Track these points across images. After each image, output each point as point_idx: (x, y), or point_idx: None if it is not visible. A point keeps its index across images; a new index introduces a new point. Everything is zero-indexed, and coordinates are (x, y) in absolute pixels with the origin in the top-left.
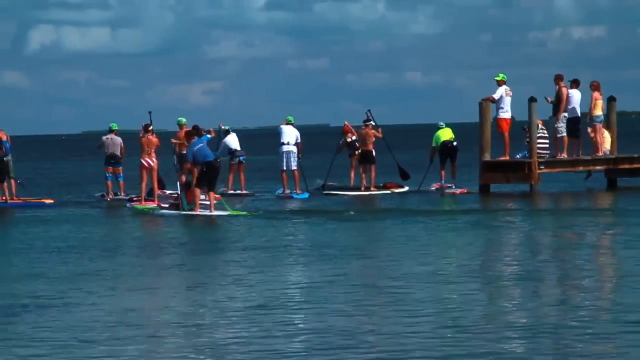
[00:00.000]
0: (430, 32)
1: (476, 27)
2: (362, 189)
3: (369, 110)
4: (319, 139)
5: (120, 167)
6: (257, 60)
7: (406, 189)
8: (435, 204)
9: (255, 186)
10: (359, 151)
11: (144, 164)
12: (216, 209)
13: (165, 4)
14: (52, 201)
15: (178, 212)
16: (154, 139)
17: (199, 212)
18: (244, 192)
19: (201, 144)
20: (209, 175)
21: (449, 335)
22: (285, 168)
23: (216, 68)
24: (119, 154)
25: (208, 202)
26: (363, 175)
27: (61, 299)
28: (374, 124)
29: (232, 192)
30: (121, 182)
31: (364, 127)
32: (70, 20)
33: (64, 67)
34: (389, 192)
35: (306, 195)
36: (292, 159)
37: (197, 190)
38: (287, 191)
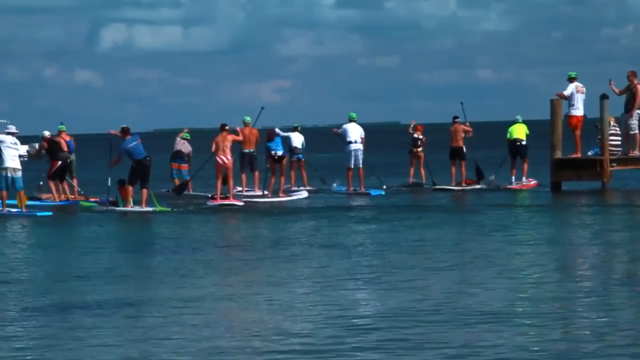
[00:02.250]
0: (501, 29)
1: (548, 24)
2: (453, 184)
3: (461, 103)
4: (388, 137)
5: (186, 165)
6: (327, 58)
7: (480, 185)
8: (511, 199)
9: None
10: (416, 149)
11: (218, 162)
12: (146, 204)
13: (236, 3)
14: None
15: (113, 208)
16: (229, 136)
17: (130, 208)
18: (307, 188)
19: (135, 142)
20: (139, 173)
21: None
22: (352, 166)
23: (286, 66)
24: (184, 151)
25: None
26: (453, 171)
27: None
28: (462, 120)
29: (295, 188)
30: (187, 180)
31: (453, 124)
32: (142, 19)
33: (135, 65)
34: (477, 187)
35: (382, 192)
36: (359, 157)
37: (130, 188)
38: (352, 189)
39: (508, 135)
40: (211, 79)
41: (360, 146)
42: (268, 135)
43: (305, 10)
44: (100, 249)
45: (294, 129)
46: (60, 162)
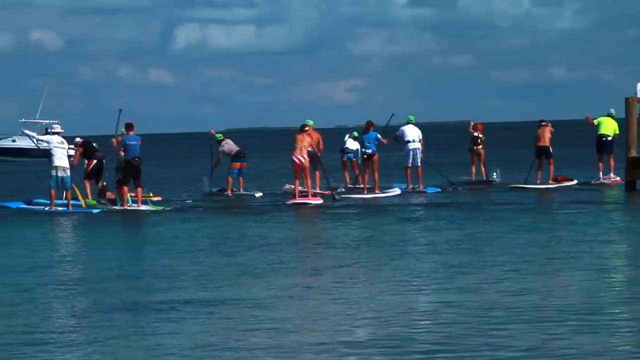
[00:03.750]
0: (575, 28)
1: (622, 22)
2: (538, 182)
3: (392, 114)
4: (459, 135)
5: (246, 163)
6: (401, 57)
7: (574, 182)
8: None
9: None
10: (477, 147)
11: (295, 161)
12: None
13: (309, 2)
14: (159, 198)
15: (113, 207)
16: (307, 136)
17: (127, 207)
18: (361, 186)
19: (135, 142)
20: (130, 172)
21: None
22: (410, 165)
23: (360, 65)
24: (243, 150)
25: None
26: (539, 169)
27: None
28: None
29: (350, 186)
30: (241, 178)
31: (540, 127)
32: (216, 18)
33: (209, 65)
34: (570, 184)
35: (438, 190)
36: (417, 156)
37: (125, 187)
38: (410, 186)
39: (597, 127)
40: (284, 78)
41: (418, 145)
42: (365, 127)
43: (378, 9)
44: (170, 248)
45: (353, 138)
46: (95, 162)
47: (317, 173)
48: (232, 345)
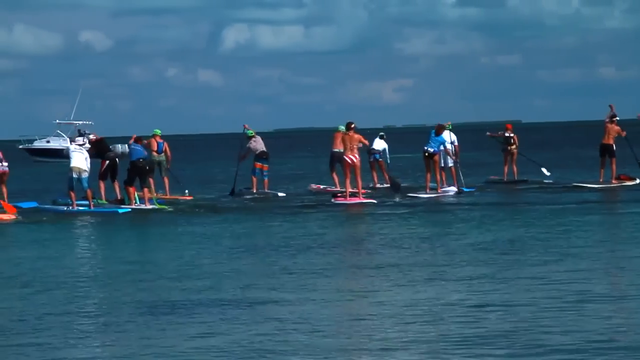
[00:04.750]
0: (625, 27)
1: None
2: (601, 180)
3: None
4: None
5: (268, 165)
6: (449, 57)
7: (638, 181)
8: None
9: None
10: (510, 147)
11: (347, 161)
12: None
13: (357, 2)
14: (189, 197)
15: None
16: (355, 135)
17: (135, 206)
18: (378, 185)
19: (139, 148)
20: (135, 173)
21: None
22: (442, 165)
23: (408, 65)
24: (267, 151)
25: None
26: (602, 167)
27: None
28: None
29: (378, 186)
30: (266, 180)
31: (608, 122)
32: (264, 19)
33: (257, 65)
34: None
35: (473, 189)
36: (448, 157)
37: (132, 188)
38: (445, 186)
39: None
40: (332, 78)
41: (448, 146)
42: (437, 130)
43: (426, 8)
44: (214, 248)
45: (380, 137)
46: (108, 162)
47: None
48: (278, 348)
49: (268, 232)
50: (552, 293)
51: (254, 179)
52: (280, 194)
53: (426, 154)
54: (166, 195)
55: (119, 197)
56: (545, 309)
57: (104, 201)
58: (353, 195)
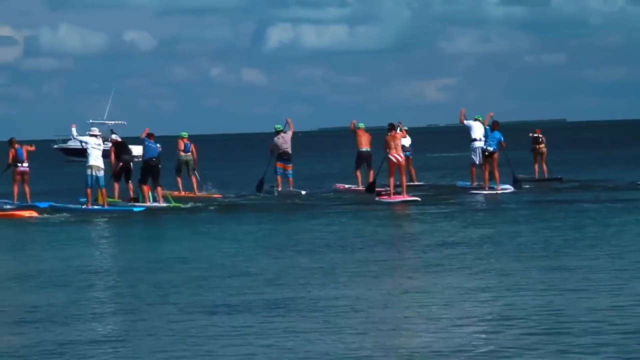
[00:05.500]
0: None
1: None
2: None
3: None
4: (554, 133)
5: (290, 165)
6: (493, 55)
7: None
8: None
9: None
10: (539, 146)
11: (392, 159)
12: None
13: (401, 1)
14: (220, 196)
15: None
16: (399, 134)
17: (149, 204)
18: (415, 183)
19: (154, 146)
20: (148, 172)
21: None
22: (477, 162)
23: (452, 64)
24: (290, 152)
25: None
26: None
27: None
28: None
29: (409, 183)
30: (290, 179)
31: None
32: (308, 18)
33: (301, 64)
34: None
35: (508, 186)
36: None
37: (146, 187)
38: (475, 183)
39: None
40: (376, 77)
41: (483, 144)
42: (492, 126)
43: (470, 7)
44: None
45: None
46: (122, 164)
47: (371, 172)
48: (339, 349)
49: (317, 230)
50: None
51: (279, 178)
52: (303, 192)
53: (486, 153)
54: (194, 193)
55: (132, 196)
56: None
57: (117, 200)
58: (397, 193)
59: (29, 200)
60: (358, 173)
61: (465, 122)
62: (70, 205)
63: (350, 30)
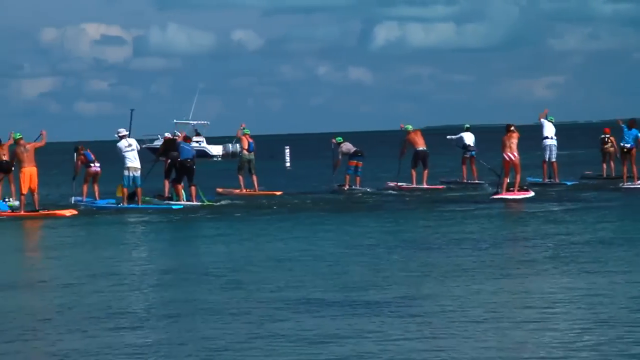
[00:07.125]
0: None
1: None
2: None
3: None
4: None
5: (362, 162)
6: (602, 52)
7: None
8: None
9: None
10: (605, 146)
11: (505, 159)
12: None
13: None
14: (279, 193)
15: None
16: (514, 134)
17: (183, 202)
18: (476, 181)
19: (189, 147)
20: (182, 172)
21: None
22: (547, 159)
23: (560, 61)
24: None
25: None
26: None
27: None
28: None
29: (466, 181)
30: (358, 177)
31: None
32: (415, 16)
33: (407, 63)
34: None
35: (577, 182)
36: (554, 152)
37: (179, 185)
38: (547, 180)
39: None
40: (483, 75)
41: (554, 142)
42: (629, 124)
43: (579, 4)
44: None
45: (466, 130)
46: (169, 161)
47: (426, 172)
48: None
49: (422, 228)
50: None
51: (347, 177)
52: (369, 190)
53: (624, 150)
54: (255, 191)
55: (167, 195)
56: None
57: (151, 198)
58: (509, 191)
59: (97, 199)
60: (413, 172)
61: (540, 120)
62: (101, 203)
63: (457, 29)
